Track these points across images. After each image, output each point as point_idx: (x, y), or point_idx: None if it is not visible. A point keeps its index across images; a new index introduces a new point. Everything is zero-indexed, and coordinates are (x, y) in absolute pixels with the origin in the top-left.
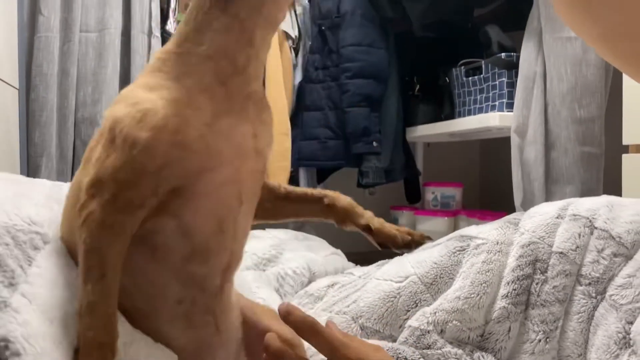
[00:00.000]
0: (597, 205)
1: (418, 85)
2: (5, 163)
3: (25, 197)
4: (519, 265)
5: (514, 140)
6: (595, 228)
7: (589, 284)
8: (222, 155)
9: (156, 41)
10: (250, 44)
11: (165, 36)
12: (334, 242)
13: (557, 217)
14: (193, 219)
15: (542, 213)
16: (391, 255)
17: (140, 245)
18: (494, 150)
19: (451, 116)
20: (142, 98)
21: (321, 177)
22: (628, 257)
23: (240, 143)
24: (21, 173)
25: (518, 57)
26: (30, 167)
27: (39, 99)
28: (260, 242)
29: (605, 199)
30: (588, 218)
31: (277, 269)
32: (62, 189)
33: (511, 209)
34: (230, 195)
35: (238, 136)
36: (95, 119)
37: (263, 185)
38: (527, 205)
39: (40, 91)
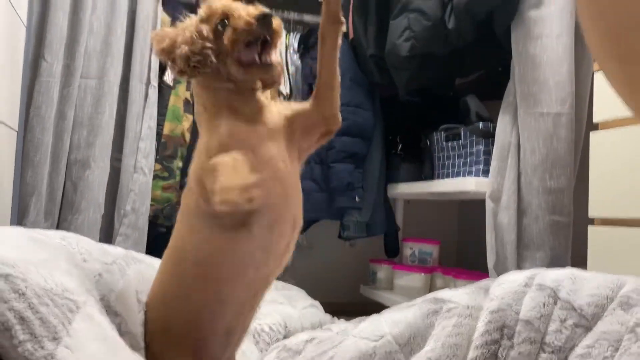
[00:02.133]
0: (561, 276)
1: (400, 145)
2: None
3: (53, 263)
4: (488, 330)
5: (489, 205)
6: (559, 299)
7: (552, 352)
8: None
9: (153, 91)
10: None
11: (162, 86)
12: (312, 292)
13: (525, 286)
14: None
15: (510, 281)
16: (367, 311)
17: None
18: (471, 211)
19: (431, 177)
20: None
21: (303, 227)
22: (588, 329)
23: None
24: (11, 212)
25: (494, 128)
26: (20, 207)
27: (34, 140)
28: None
29: (569, 271)
30: (552, 289)
31: (254, 323)
32: (75, 256)
33: (485, 269)
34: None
35: (272, 149)
36: (88, 161)
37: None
38: (499, 267)
39: (36, 132)
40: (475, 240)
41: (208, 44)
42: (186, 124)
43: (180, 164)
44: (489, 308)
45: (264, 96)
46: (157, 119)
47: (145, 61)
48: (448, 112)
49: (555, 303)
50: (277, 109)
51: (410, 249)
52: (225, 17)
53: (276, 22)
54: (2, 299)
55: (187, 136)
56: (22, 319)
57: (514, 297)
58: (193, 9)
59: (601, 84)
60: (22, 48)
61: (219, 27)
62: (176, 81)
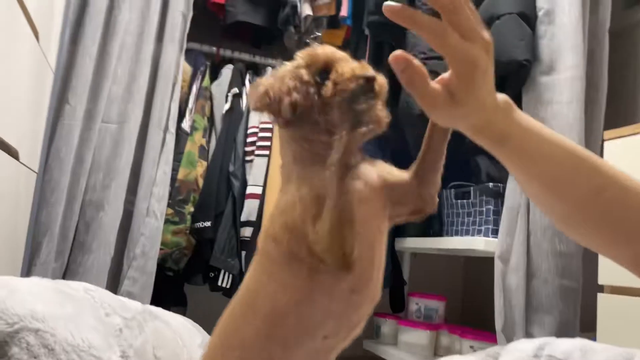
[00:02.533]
0: (571, 348)
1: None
2: (9, 241)
3: (79, 317)
4: None
5: (497, 266)
6: None
7: None
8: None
9: (170, 137)
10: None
11: (180, 133)
12: None
13: (534, 357)
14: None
15: (520, 350)
16: None
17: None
18: (478, 268)
19: (439, 233)
20: None
21: None
22: None
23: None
24: (25, 251)
25: (504, 188)
26: (32, 246)
27: (51, 181)
28: None
29: (579, 342)
30: None
31: None
32: (98, 310)
33: (490, 327)
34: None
35: (367, 210)
36: (102, 203)
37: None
38: (507, 330)
39: (54, 174)
40: (481, 297)
41: (312, 89)
42: (200, 169)
43: (191, 209)
44: None
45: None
46: (172, 164)
47: (165, 108)
48: (458, 170)
49: None
50: (375, 168)
51: (416, 304)
52: (327, 68)
53: (380, 81)
54: (32, 353)
55: (200, 182)
56: None
57: None
58: (214, 59)
59: (610, 152)
60: (49, 92)
61: (318, 78)
62: (193, 128)
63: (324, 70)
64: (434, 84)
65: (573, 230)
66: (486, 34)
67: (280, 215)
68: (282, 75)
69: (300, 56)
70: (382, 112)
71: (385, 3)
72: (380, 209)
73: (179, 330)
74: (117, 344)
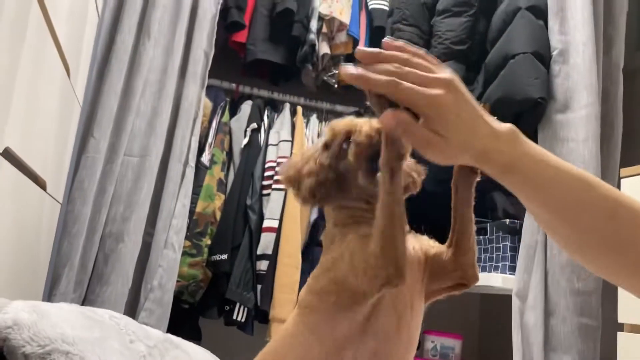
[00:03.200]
0: None
1: (426, 234)
2: (30, 271)
3: (106, 342)
4: None
5: (515, 303)
6: None
7: None
8: None
9: (190, 170)
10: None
11: (199, 166)
12: None
13: None
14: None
15: None
16: None
17: None
18: (495, 305)
19: None
20: None
21: None
22: None
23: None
24: (45, 282)
25: (521, 225)
26: (53, 276)
27: (74, 211)
28: None
29: None
30: None
31: None
32: (124, 337)
33: None
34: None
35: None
36: (122, 235)
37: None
38: None
39: (77, 204)
40: (498, 336)
41: (330, 175)
42: (218, 202)
43: (208, 242)
44: None
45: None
46: (191, 197)
47: (186, 143)
48: (475, 206)
49: None
50: (417, 240)
51: (432, 342)
52: (348, 136)
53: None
54: None
55: (218, 215)
56: None
57: None
58: (233, 95)
59: (627, 189)
60: (75, 126)
61: (344, 146)
62: (212, 162)
63: (347, 138)
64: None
65: (589, 260)
66: (443, 74)
67: (326, 273)
68: (308, 156)
69: (326, 133)
70: (414, 168)
71: (342, 68)
72: (417, 282)
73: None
74: None
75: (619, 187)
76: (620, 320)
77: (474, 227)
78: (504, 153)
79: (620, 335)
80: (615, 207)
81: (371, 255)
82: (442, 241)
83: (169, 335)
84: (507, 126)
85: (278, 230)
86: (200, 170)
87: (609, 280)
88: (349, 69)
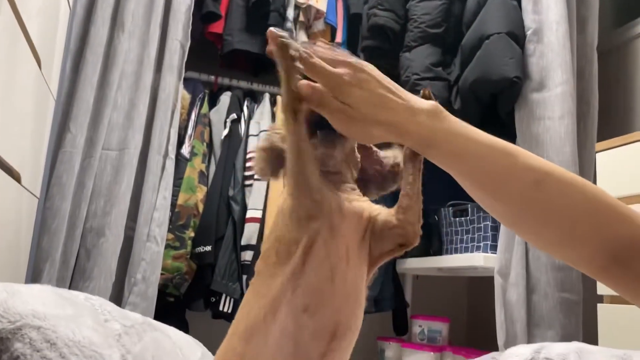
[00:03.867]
0: (567, 350)
1: None
2: (10, 267)
3: (80, 319)
4: None
5: (497, 281)
6: None
7: None
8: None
9: (170, 162)
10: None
11: (179, 159)
12: None
13: None
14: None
15: (517, 354)
16: None
17: None
18: (481, 288)
19: (439, 252)
20: None
21: None
22: None
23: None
24: (26, 277)
25: None
26: (34, 272)
27: (53, 207)
28: None
29: (575, 345)
30: None
31: None
32: (98, 316)
33: (496, 349)
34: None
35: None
36: (103, 229)
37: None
38: (509, 346)
39: (55, 200)
40: (485, 317)
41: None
42: (200, 194)
43: (192, 234)
44: None
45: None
46: (172, 189)
47: (165, 135)
48: (455, 189)
49: None
50: (365, 203)
51: (419, 326)
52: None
53: None
54: (35, 347)
55: (201, 207)
56: None
57: None
58: (212, 87)
59: (603, 163)
60: (50, 119)
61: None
62: (192, 153)
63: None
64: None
65: (523, 231)
66: (349, 60)
67: (270, 234)
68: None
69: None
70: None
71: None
72: (355, 236)
73: (179, 343)
74: (116, 347)
75: (595, 163)
76: (599, 292)
77: (420, 187)
78: (422, 127)
79: (601, 307)
80: (541, 177)
81: (289, 197)
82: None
83: (148, 319)
84: (429, 103)
85: (262, 221)
86: (181, 162)
87: (550, 253)
88: (279, 31)
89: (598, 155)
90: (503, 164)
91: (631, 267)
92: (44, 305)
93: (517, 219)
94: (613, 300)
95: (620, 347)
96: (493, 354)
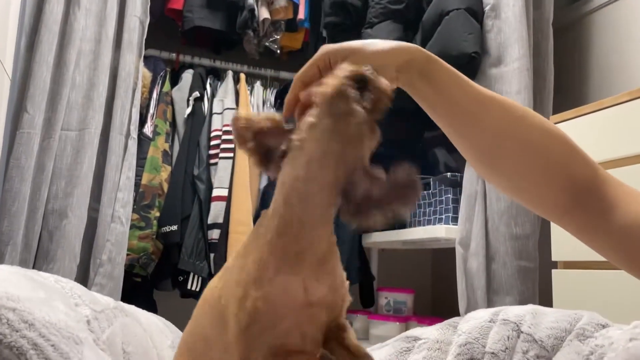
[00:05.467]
0: (523, 312)
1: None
2: None
3: (53, 302)
4: None
5: (459, 252)
6: (522, 332)
7: None
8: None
9: (132, 142)
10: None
11: (142, 138)
12: None
13: (490, 321)
14: None
15: (477, 317)
16: None
17: None
18: (445, 260)
19: (403, 226)
20: None
21: None
22: (548, 359)
23: (294, 297)
24: None
25: (462, 177)
26: None
27: (12, 189)
28: None
29: (530, 307)
30: (515, 323)
31: None
32: (69, 300)
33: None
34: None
35: (292, 291)
36: (65, 211)
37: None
38: (470, 312)
39: (14, 183)
40: (449, 288)
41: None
42: (164, 174)
43: (157, 214)
44: (457, 342)
45: None
46: (136, 169)
47: (126, 114)
48: (418, 163)
49: (518, 336)
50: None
51: (385, 298)
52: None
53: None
54: (14, 328)
55: (165, 186)
56: (36, 345)
57: (481, 332)
58: (173, 65)
59: None
60: (6, 100)
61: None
62: (155, 133)
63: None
64: None
65: (501, 167)
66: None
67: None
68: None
69: None
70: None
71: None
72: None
73: (150, 329)
74: (86, 331)
75: None
76: (554, 258)
77: None
78: (417, 62)
79: (555, 273)
80: (524, 113)
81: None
82: None
83: (121, 303)
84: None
85: (228, 199)
86: (144, 142)
87: (516, 196)
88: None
89: None
90: (493, 104)
91: (588, 210)
92: (17, 288)
93: (496, 154)
94: (566, 265)
95: (573, 309)
96: (454, 318)
